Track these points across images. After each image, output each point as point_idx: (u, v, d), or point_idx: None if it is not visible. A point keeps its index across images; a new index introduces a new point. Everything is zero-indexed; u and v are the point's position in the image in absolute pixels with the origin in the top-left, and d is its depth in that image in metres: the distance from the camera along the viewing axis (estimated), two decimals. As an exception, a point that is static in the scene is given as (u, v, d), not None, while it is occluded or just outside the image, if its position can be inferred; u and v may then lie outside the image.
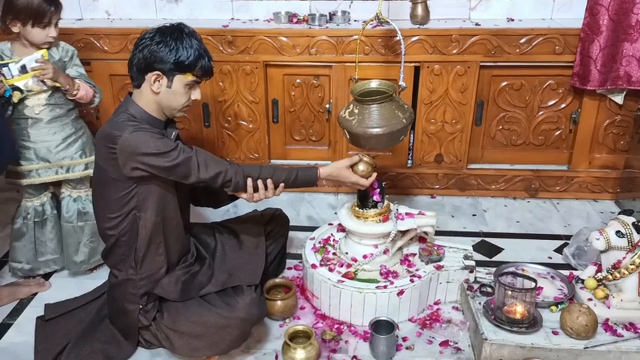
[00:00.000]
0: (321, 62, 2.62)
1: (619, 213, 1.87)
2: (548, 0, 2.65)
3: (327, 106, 2.72)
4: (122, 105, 1.74)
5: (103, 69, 2.65)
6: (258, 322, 1.83)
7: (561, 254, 2.33)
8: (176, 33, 1.63)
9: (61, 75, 2.03)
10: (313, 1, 2.72)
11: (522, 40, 2.49)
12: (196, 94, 1.73)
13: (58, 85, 2.03)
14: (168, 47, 1.61)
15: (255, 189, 1.78)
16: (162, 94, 1.67)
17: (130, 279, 1.79)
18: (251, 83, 2.68)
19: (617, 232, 1.79)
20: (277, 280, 2.08)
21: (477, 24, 2.56)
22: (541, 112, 2.69)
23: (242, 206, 2.57)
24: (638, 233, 1.78)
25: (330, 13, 2.67)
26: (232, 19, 2.77)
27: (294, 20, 2.66)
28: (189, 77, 1.65)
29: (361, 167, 1.93)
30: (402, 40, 1.97)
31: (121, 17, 2.77)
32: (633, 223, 1.79)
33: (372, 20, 2.06)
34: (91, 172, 2.15)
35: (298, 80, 2.71)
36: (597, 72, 2.47)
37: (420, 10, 2.54)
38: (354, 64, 2.48)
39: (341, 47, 2.56)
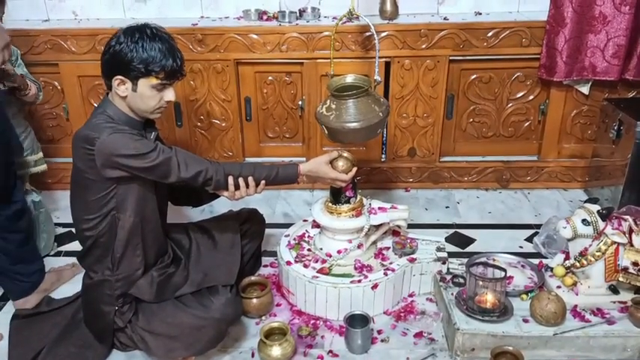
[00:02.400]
0: (293, 59, 2.63)
1: (585, 201, 1.92)
2: (515, -7, 2.70)
3: (300, 102, 2.73)
4: (100, 106, 1.72)
5: (71, 70, 2.62)
6: (234, 322, 1.83)
7: (532, 243, 2.38)
8: (137, 34, 1.59)
9: (17, 75, 2.03)
10: (283, -3, 2.72)
11: (490, 34, 2.52)
12: (169, 96, 1.68)
13: (15, 85, 2.02)
14: (129, 50, 1.58)
15: (237, 187, 1.78)
16: (130, 97, 1.65)
17: (106, 280, 1.78)
18: (222, 81, 2.67)
19: (583, 221, 1.84)
20: (253, 278, 2.08)
21: (445, 18, 2.59)
22: (510, 104, 2.73)
23: (218, 206, 2.56)
24: (603, 221, 1.83)
25: (299, 9, 2.67)
26: (202, 17, 2.75)
27: (264, 17, 2.66)
28: (154, 80, 1.62)
29: (341, 163, 1.94)
30: (375, 35, 2.00)
31: (89, 17, 2.73)
32: (598, 212, 1.84)
33: (345, 16, 2.07)
34: (40, 168, 2.35)
35: (270, 78, 2.71)
36: (563, 63, 2.52)
37: (388, 5, 2.56)
38: (326, 60, 2.51)
39: (312, 44, 2.57)
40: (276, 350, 1.74)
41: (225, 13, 2.73)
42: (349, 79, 2.02)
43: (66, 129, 2.80)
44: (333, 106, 1.92)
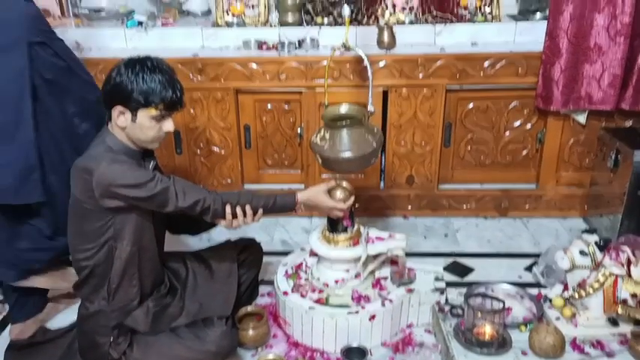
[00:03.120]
0: (292, 88, 2.66)
1: (582, 232, 1.91)
2: (511, 24, 2.74)
3: (299, 130, 2.75)
4: (99, 136, 1.74)
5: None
6: (230, 355, 1.81)
7: (531, 273, 2.37)
8: (138, 66, 1.62)
9: None
10: (282, 28, 2.76)
11: (486, 64, 2.55)
12: (168, 126, 1.70)
13: None
14: (130, 82, 1.61)
15: (234, 216, 1.79)
16: (129, 128, 1.66)
17: (102, 310, 1.77)
18: (222, 110, 2.69)
19: (581, 252, 1.83)
20: (249, 308, 2.07)
21: (441, 48, 2.62)
22: (508, 133, 2.75)
23: (216, 234, 2.56)
24: (600, 252, 1.82)
25: (298, 40, 2.71)
26: (203, 46, 2.79)
27: (264, 47, 2.70)
28: (153, 111, 1.64)
29: (338, 192, 1.95)
30: (369, 67, 2.02)
31: (91, 47, 2.77)
32: (596, 242, 1.83)
33: (339, 48, 2.10)
34: None
35: (269, 106, 2.74)
36: (559, 93, 2.54)
37: (386, 36, 2.59)
38: (324, 89, 2.53)
39: (310, 73, 2.60)
40: (271, 383, 1.72)
41: (226, 43, 2.77)
42: (343, 109, 2.04)
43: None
44: (327, 136, 1.94)
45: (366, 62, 2.00)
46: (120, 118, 1.65)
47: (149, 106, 1.63)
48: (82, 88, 1.98)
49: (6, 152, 1.81)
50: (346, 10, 2.08)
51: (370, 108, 2.02)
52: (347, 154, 1.90)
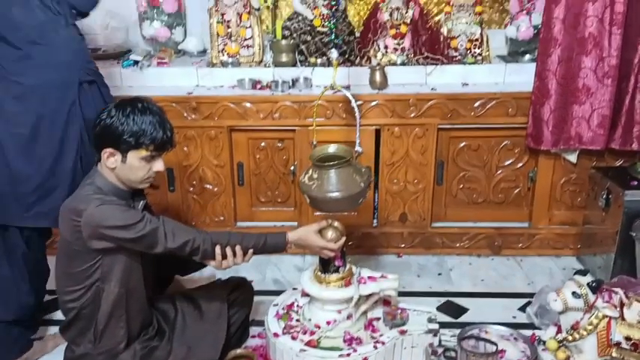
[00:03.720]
0: (285, 126, 2.68)
1: (574, 273, 1.91)
2: (500, 65, 2.79)
3: (292, 168, 2.76)
4: (88, 177, 1.75)
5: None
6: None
7: (525, 313, 2.34)
8: (129, 108, 1.65)
9: None
10: (277, 68, 2.80)
11: (477, 104, 2.59)
12: (158, 166, 1.72)
13: None
14: (120, 123, 1.63)
15: (224, 256, 1.78)
16: (119, 169, 1.67)
17: (88, 354, 1.75)
18: (216, 147, 2.71)
19: (574, 293, 1.83)
20: (239, 350, 2.03)
21: (433, 88, 2.66)
22: (499, 171, 2.77)
23: (207, 273, 2.54)
24: (593, 293, 1.81)
25: (292, 79, 2.74)
26: (197, 85, 2.82)
27: (258, 87, 2.73)
28: (144, 152, 1.66)
29: (330, 233, 1.95)
30: (355, 108, 2.04)
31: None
32: (588, 284, 1.83)
33: (327, 89, 2.13)
34: None
35: (263, 144, 2.76)
36: (549, 133, 2.57)
37: (378, 76, 2.63)
38: (317, 128, 2.55)
39: (303, 112, 2.63)
40: None
41: (220, 82, 2.80)
42: (332, 149, 2.06)
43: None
44: (315, 176, 1.95)
45: (353, 103, 2.03)
46: (110, 159, 1.66)
47: (139, 148, 1.64)
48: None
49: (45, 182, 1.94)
50: (334, 54, 2.14)
51: (358, 148, 2.03)
52: (335, 194, 1.90)
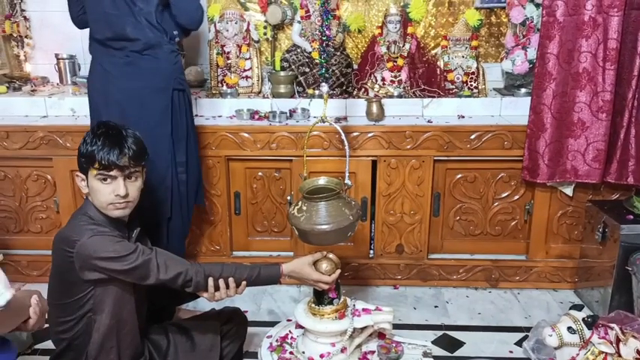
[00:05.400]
0: (282, 156, 2.70)
1: (570, 308, 1.89)
2: (496, 99, 2.82)
3: (289, 198, 2.77)
4: (81, 207, 1.75)
5: (64, 164, 2.68)
6: None
7: (522, 347, 2.31)
8: (90, 133, 1.71)
9: None
10: (275, 99, 2.83)
11: (472, 136, 2.61)
12: (117, 189, 1.68)
13: None
14: (81, 146, 1.70)
15: (217, 288, 1.76)
16: (90, 194, 1.72)
17: (78, 386, 1.72)
18: (213, 177, 2.72)
19: (569, 329, 1.80)
20: (231, 383, 2.00)
21: (429, 121, 2.69)
22: (496, 204, 2.77)
23: (201, 303, 2.52)
24: (589, 329, 1.79)
25: (290, 110, 2.78)
26: (196, 115, 2.85)
27: (256, 117, 2.76)
28: (94, 172, 1.67)
29: (324, 265, 1.94)
30: (345, 141, 2.06)
31: (86, 114, 2.81)
32: (583, 319, 1.81)
33: (318, 121, 2.15)
34: None
35: (260, 173, 2.77)
36: (545, 166, 2.58)
37: (374, 108, 2.66)
38: (314, 158, 2.58)
39: (300, 142, 2.65)
40: None
41: (219, 112, 2.83)
42: (322, 181, 2.07)
43: (55, 222, 2.81)
44: (304, 208, 1.95)
45: (342, 136, 2.05)
46: (81, 184, 1.72)
47: (90, 168, 1.68)
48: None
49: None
50: (324, 88, 2.17)
51: (347, 182, 2.04)
52: (323, 227, 1.90)
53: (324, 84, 2.17)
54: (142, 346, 1.86)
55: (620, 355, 1.76)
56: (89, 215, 1.69)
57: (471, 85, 2.91)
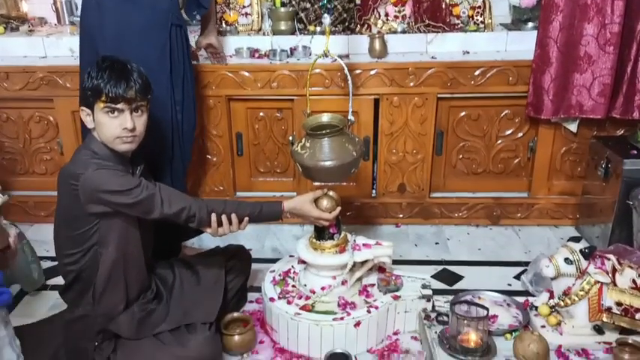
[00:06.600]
0: (283, 96, 2.67)
1: (568, 240, 1.91)
2: (502, 33, 2.75)
3: (291, 138, 2.76)
4: (85, 142, 1.76)
5: (65, 105, 2.68)
6: (214, 360, 1.82)
7: (520, 281, 2.36)
8: (96, 67, 1.68)
9: None
10: (275, 37, 2.78)
11: (477, 72, 2.56)
12: (125, 123, 1.68)
13: None
14: (86, 80, 1.67)
15: (220, 224, 1.80)
16: (96, 129, 1.71)
17: (87, 315, 1.78)
18: (214, 117, 2.71)
19: (566, 259, 1.83)
20: (235, 314, 2.07)
21: (433, 57, 2.64)
22: (499, 141, 2.75)
23: (206, 241, 2.57)
24: (585, 260, 1.82)
25: (291, 48, 2.72)
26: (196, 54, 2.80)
27: (256, 55, 2.71)
28: (101, 105, 1.66)
29: (325, 202, 1.95)
30: (348, 76, 2.02)
31: (85, 54, 2.80)
32: (581, 250, 1.83)
33: (320, 56, 2.11)
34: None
35: (261, 113, 2.76)
36: (550, 102, 2.55)
37: (377, 44, 2.61)
38: (316, 97, 2.55)
39: (302, 81, 2.61)
40: (254, 389, 1.72)
41: (219, 50, 2.79)
42: (325, 118, 2.05)
43: (60, 163, 2.82)
44: (308, 145, 1.95)
45: (346, 71, 2.01)
46: (87, 119, 1.70)
47: (97, 101, 1.66)
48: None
49: None
50: (326, 20, 2.09)
51: (350, 118, 2.02)
52: (327, 163, 1.90)
53: (326, 15, 2.09)
54: (148, 280, 1.92)
55: (615, 285, 1.79)
56: (93, 150, 1.70)
57: (477, 20, 2.83)
